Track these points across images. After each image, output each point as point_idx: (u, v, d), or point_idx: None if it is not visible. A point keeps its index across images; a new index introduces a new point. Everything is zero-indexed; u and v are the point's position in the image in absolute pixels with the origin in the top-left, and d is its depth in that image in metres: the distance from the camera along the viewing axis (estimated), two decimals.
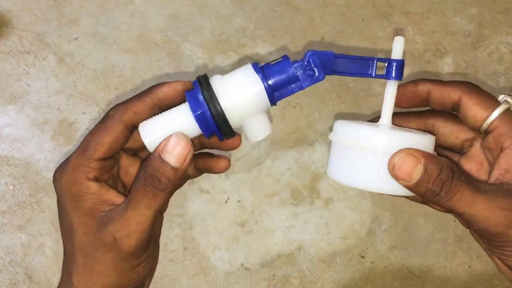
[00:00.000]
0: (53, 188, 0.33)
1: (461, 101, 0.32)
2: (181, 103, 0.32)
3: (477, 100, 0.32)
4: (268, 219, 0.54)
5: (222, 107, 0.30)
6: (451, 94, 0.33)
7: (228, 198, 0.54)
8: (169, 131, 0.31)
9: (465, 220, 0.30)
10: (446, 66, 0.56)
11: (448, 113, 0.35)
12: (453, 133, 0.35)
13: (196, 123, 0.31)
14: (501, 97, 0.32)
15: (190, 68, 0.56)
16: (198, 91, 0.31)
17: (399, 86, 0.33)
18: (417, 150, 0.30)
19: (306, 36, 0.57)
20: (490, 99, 0.32)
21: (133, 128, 0.33)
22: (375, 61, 0.32)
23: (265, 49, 0.56)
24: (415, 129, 0.36)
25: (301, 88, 0.32)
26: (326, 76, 0.32)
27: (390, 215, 0.54)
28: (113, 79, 0.55)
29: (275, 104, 0.32)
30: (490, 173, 0.32)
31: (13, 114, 0.54)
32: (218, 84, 0.31)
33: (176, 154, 0.30)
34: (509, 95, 0.32)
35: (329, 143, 0.34)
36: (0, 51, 0.55)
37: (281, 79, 0.31)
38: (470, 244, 0.54)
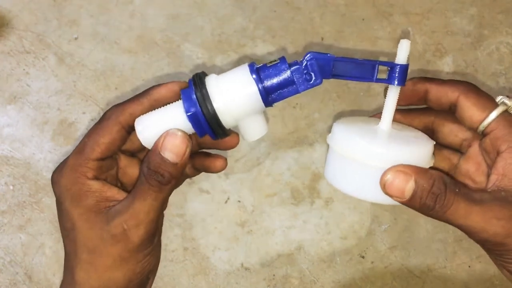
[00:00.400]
0: None
1: (459, 102, 0.32)
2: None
3: (475, 101, 0.31)
4: (268, 219, 0.54)
5: (215, 108, 0.30)
6: (449, 94, 0.32)
7: (228, 198, 0.54)
8: (164, 128, 0.31)
9: (464, 232, 0.30)
10: (446, 66, 0.56)
11: (448, 111, 0.34)
12: (452, 132, 0.35)
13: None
14: (499, 99, 0.31)
15: (190, 68, 0.56)
16: (192, 91, 0.31)
17: None
18: (407, 166, 0.29)
19: (306, 36, 0.57)
20: (487, 100, 0.31)
21: (130, 129, 0.33)
22: (377, 65, 0.31)
23: (265, 49, 0.56)
24: (415, 127, 0.36)
25: (297, 92, 0.31)
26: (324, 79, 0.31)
27: (390, 215, 0.54)
28: (113, 79, 0.55)
29: (271, 106, 0.32)
30: (488, 175, 0.32)
31: (13, 114, 0.54)
32: (213, 84, 0.31)
33: (174, 150, 0.30)
34: (507, 96, 0.31)
35: (328, 144, 0.34)
36: (0, 51, 0.55)
37: (277, 82, 0.30)
38: (470, 244, 0.53)
